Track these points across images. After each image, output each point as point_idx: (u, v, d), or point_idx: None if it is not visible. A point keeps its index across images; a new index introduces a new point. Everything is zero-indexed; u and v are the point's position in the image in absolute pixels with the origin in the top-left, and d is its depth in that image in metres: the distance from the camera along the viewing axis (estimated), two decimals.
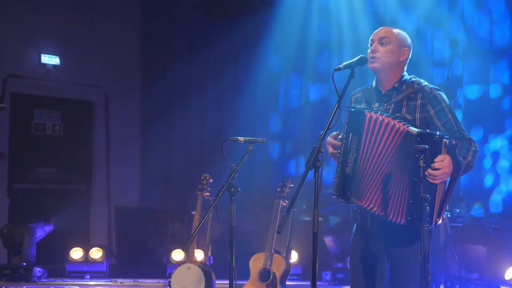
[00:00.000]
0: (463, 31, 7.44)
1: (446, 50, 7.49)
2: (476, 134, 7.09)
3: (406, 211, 3.24)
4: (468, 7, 7.52)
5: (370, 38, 3.59)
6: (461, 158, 3.27)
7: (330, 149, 3.43)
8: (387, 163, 3.30)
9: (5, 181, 8.16)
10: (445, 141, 3.12)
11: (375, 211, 3.34)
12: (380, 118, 3.29)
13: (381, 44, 3.49)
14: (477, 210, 6.91)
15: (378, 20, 7.56)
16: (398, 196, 3.26)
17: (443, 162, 3.12)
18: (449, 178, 3.22)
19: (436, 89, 3.49)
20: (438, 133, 3.17)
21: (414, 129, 3.22)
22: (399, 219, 3.27)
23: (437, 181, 3.12)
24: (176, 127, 9.08)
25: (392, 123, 3.27)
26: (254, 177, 8.59)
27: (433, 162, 3.11)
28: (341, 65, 3.33)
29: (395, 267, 3.53)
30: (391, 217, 3.28)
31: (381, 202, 3.31)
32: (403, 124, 3.25)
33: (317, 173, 3.03)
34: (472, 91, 7.48)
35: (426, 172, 3.11)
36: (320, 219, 8.03)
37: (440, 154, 3.12)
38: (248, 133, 8.04)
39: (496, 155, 7.24)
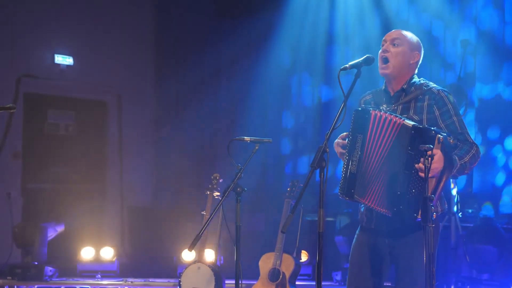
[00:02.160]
0: (475, 30, 7.45)
1: (458, 50, 7.50)
2: (490, 134, 7.11)
3: (394, 203, 3.25)
4: (481, 6, 7.54)
5: (383, 39, 3.61)
6: (457, 158, 3.26)
7: (340, 150, 3.46)
8: (388, 158, 3.32)
9: (19, 181, 8.22)
10: (439, 137, 3.10)
11: (375, 208, 3.37)
12: (384, 116, 3.31)
13: (393, 45, 3.51)
14: (487, 210, 6.89)
15: (388, 18, 7.59)
16: (393, 189, 3.27)
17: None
18: (440, 174, 3.19)
19: (444, 90, 3.49)
20: (433, 129, 3.17)
21: (410, 122, 3.23)
22: (386, 211, 3.30)
23: (423, 175, 3.10)
24: (188, 126, 9.12)
25: (395, 119, 3.29)
26: (265, 177, 8.63)
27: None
28: (347, 65, 3.32)
29: (400, 267, 3.52)
30: (382, 210, 3.32)
31: (382, 198, 3.32)
32: (401, 118, 3.28)
33: (322, 173, 3.03)
34: (484, 91, 7.48)
35: (416, 166, 3.12)
36: (331, 219, 7.97)
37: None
38: (260, 132, 8.08)
39: (509, 155, 7.23)
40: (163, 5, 9.40)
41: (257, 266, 5.90)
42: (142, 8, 9.38)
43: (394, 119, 3.28)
